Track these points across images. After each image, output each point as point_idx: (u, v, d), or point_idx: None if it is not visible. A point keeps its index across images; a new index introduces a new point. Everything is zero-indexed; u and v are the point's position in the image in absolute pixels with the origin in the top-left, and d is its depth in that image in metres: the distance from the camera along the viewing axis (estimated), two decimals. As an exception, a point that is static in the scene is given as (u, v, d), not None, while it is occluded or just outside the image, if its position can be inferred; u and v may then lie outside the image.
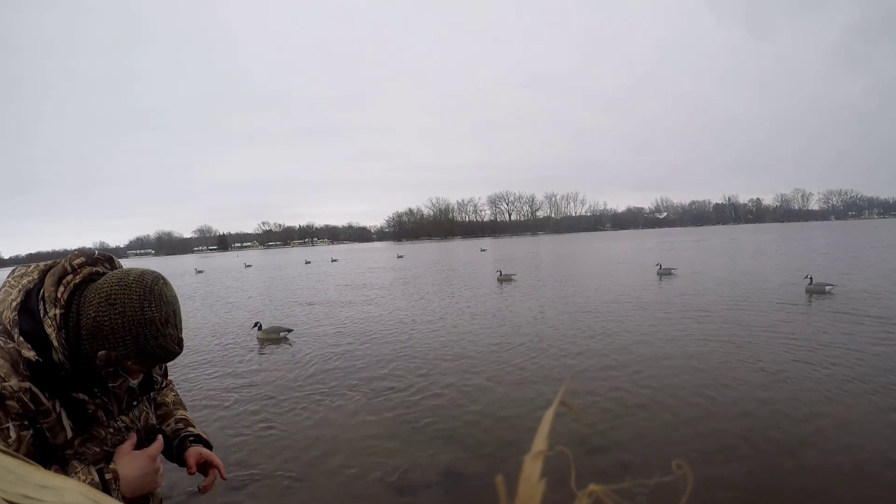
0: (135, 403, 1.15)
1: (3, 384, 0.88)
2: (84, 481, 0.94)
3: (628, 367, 6.06)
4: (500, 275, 17.37)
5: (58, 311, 0.97)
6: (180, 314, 1.04)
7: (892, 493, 3.11)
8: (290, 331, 9.00)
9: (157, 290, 0.98)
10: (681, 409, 4.66)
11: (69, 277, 1.01)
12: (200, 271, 38.60)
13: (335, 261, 42.65)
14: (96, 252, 1.08)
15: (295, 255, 72.31)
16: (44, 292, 0.98)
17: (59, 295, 0.98)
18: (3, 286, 1.01)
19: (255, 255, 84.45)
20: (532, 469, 0.30)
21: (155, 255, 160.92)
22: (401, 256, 42.57)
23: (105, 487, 0.97)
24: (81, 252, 1.07)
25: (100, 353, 0.96)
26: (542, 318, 9.76)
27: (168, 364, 1.37)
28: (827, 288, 10.79)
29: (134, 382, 1.09)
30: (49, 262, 1.06)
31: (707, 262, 21.19)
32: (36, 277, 1.02)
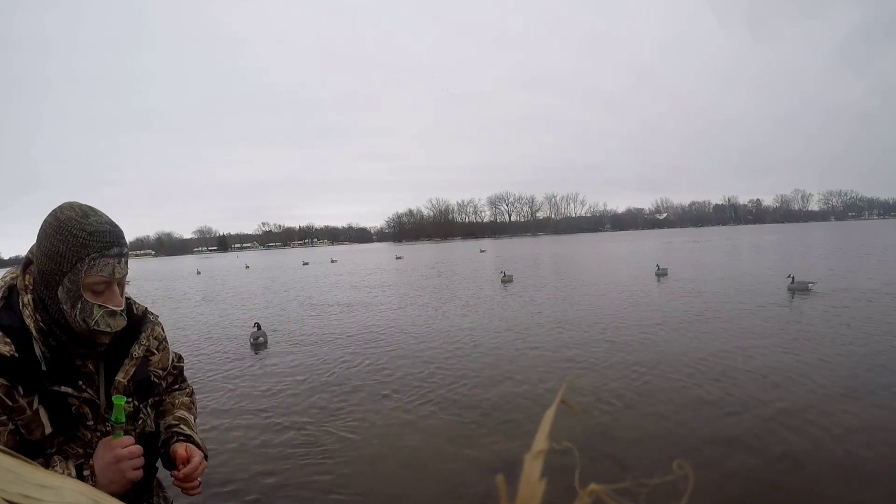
0: (133, 403, 1.11)
1: None
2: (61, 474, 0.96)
3: (627, 366, 6.10)
4: (504, 276, 17.47)
5: (29, 297, 0.99)
6: (106, 216, 1.03)
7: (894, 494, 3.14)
8: (261, 343, 8.89)
9: (65, 204, 1.01)
10: (681, 408, 4.70)
11: (32, 266, 1.03)
12: (199, 273, 38.64)
13: (334, 262, 42.66)
14: None
15: (294, 255, 72.31)
16: (17, 284, 1.01)
17: (26, 282, 1.01)
18: None
19: (254, 256, 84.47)
20: (532, 468, 0.30)
21: (155, 255, 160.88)
22: (399, 257, 42.54)
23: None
24: None
25: (58, 293, 0.97)
26: (542, 317, 9.81)
27: (180, 364, 1.35)
28: (809, 285, 11.22)
29: (118, 307, 1.03)
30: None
31: (704, 262, 21.25)
32: (19, 273, 1.04)
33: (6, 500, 0.32)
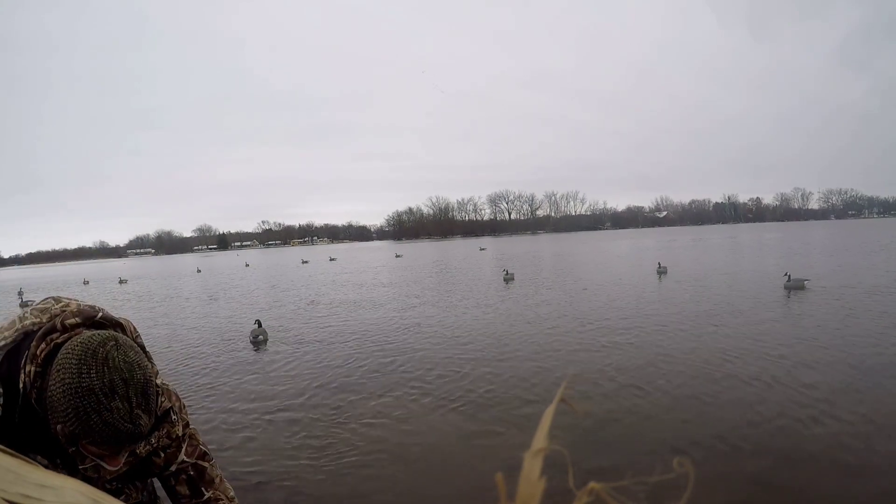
0: (116, 485, 1.05)
1: None
2: None
3: (628, 364, 6.07)
4: (506, 274, 17.45)
5: (33, 369, 0.88)
6: (140, 384, 0.87)
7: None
8: (261, 341, 8.85)
9: (100, 354, 0.84)
10: (682, 407, 4.68)
11: (55, 335, 0.91)
12: (200, 271, 38.66)
13: (333, 260, 42.68)
14: (99, 314, 0.97)
15: (294, 254, 72.33)
16: (31, 344, 0.91)
17: (37, 352, 0.89)
18: (19, 313, 0.96)
19: (254, 255, 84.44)
20: (532, 466, 0.30)
21: (155, 254, 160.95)
22: (399, 256, 42.51)
23: None
24: (81, 310, 0.96)
25: (57, 427, 0.86)
26: (544, 316, 9.79)
27: (197, 441, 1.20)
28: (805, 283, 11.47)
29: (115, 468, 0.93)
30: (67, 306, 0.97)
31: (705, 261, 21.24)
32: (43, 321, 0.94)
33: (6, 500, 0.32)
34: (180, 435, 1.14)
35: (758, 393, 4.89)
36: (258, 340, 8.77)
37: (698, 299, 10.80)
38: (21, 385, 0.88)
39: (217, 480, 1.21)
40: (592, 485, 0.27)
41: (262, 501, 3.48)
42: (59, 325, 0.92)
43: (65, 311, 0.96)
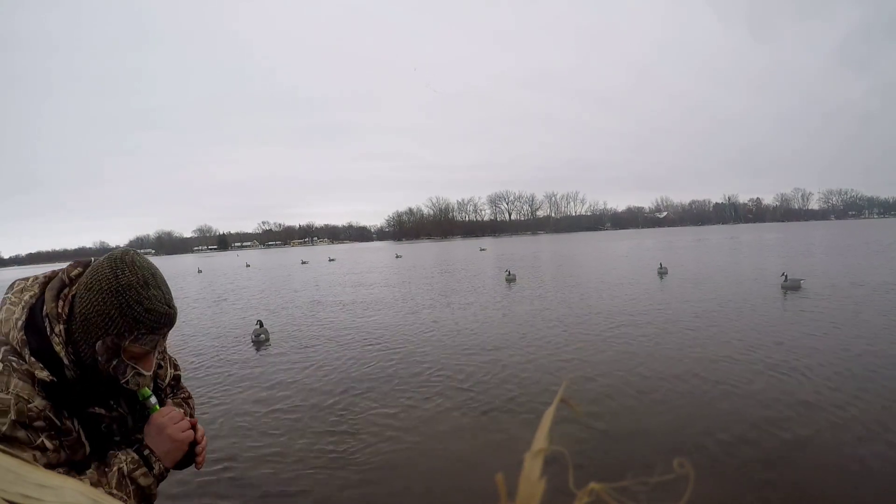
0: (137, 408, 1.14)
1: (28, 405, 0.88)
2: (125, 460, 0.99)
3: (629, 364, 6.05)
4: (508, 275, 17.44)
5: (62, 327, 0.96)
6: (163, 278, 1.01)
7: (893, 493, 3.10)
8: (263, 340, 8.87)
9: (127, 259, 0.97)
10: (682, 407, 4.67)
11: (66, 290, 0.99)
12: (200, 272, 38.67)
13: (332, 260, 42.67)
14: (93, 259, 1.05)
15: (294, 254, 72.36)
16: (46, 309, 0.97)
17: (59, 310, 0.97)
18: (4, 303, 0.99)
19: (254, 255, 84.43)
20: (532, 467, 0.30)
21: (155, 254, 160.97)
22: (399, 256, 42.50)
23: (147, 462, 1.02)
24: (78, 262, 1.05)
25: (97, 345, 0.95)
26: (547, 317, 9.77)
27: (179, 371, 1.34)
28: (801, 282, 11.67)
29: (149, 373, 1.04)
30: (48, 273, 1.05)
31: (705, 261, 21.25)
32: (37, 291, 1.00)
33: (6, 500, 0.32)
34: (165, 348, 1.27)
35: (756, 392, 4.87)
36: (260, 340, 8.76)
37: (697, 300, 10.82)
38: (59, 347, 0.94)
39: (181, 383, 1.36)
40: (592, 485, 0.27)
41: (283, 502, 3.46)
42: (66, 279, 1.01)
43: (54, 274, 1.03)
